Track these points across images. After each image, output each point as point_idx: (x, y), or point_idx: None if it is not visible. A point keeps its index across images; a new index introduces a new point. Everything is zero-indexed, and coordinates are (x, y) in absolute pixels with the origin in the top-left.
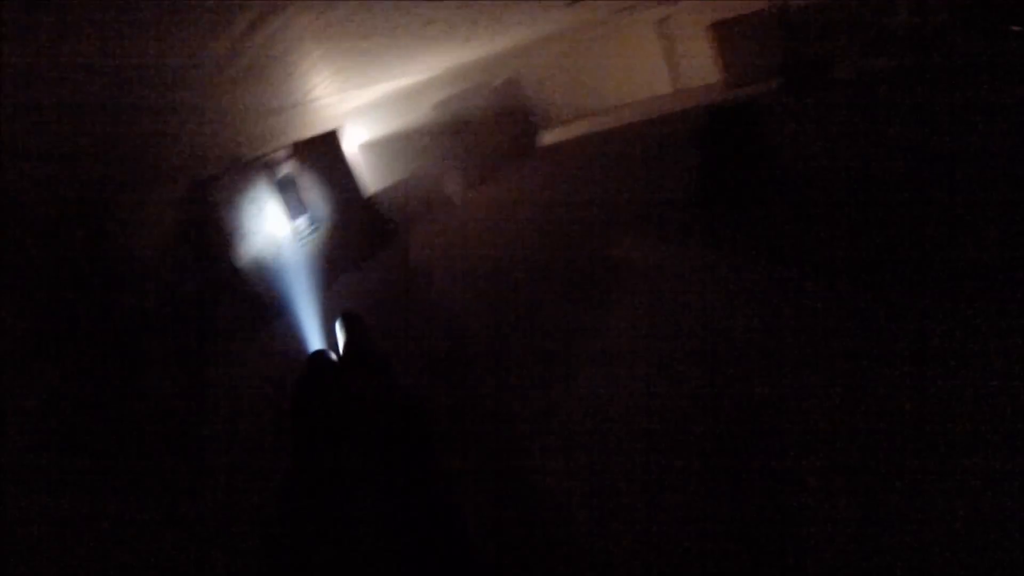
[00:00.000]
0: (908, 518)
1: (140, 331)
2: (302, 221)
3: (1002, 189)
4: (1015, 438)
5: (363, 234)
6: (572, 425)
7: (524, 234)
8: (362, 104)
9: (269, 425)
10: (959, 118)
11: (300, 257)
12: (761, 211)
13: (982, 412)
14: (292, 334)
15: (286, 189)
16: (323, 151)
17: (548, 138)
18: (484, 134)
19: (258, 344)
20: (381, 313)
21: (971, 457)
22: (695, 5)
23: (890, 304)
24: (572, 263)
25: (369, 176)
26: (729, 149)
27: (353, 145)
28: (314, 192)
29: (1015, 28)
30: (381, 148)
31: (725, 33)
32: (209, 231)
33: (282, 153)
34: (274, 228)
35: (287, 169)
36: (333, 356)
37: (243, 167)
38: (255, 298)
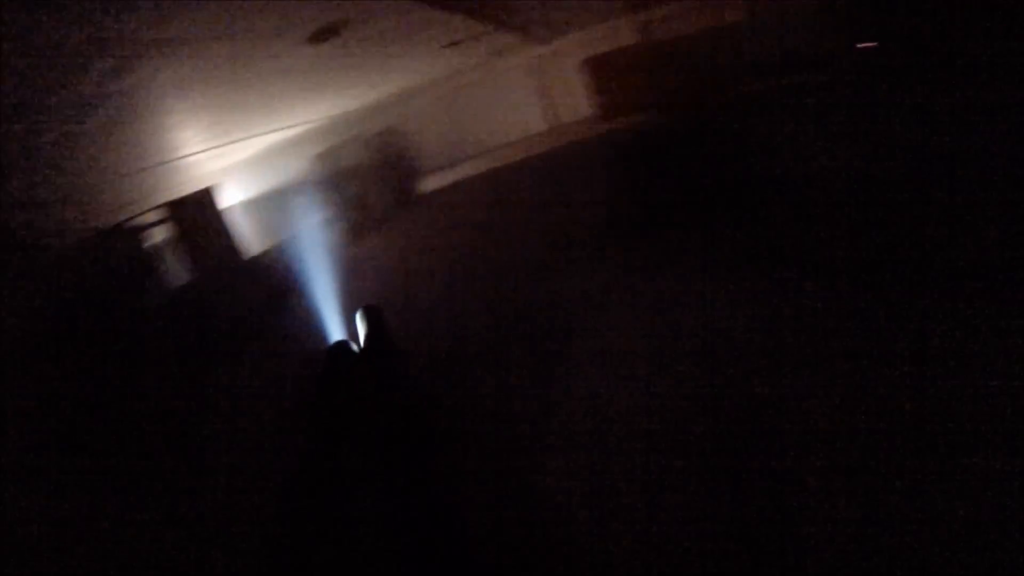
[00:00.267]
0: (908, 518)
1: (140, 332)
2: (176, 291)
3: (1002, 189)
4: (1015, 438)
5: (245, 301)
6: (572, 425)
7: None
8: (239, 160)
9: (269, 425)
10: (959, 118)
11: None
12: (761, 212)
13: (982, 412)
14: (292, 335)
15: (157, 257)
16: (198, 212)
17: (430, 184)
18: (367, 185)
19: (258, 344)
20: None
21: (971, 457)
22: (566, 45)
23: (890, 304)
24: (572, 263)
25: (249, 237)
26: (653, 172)
27: (231, 204)
28: (189, 258)
29: (864, 46)
30: (261, 206)
31: (598, 68)
32: (60, 314)
33: (152, 216)
34: (143, 303)
35: (158, 235)
36: (354, 347)
37: (108, 234)
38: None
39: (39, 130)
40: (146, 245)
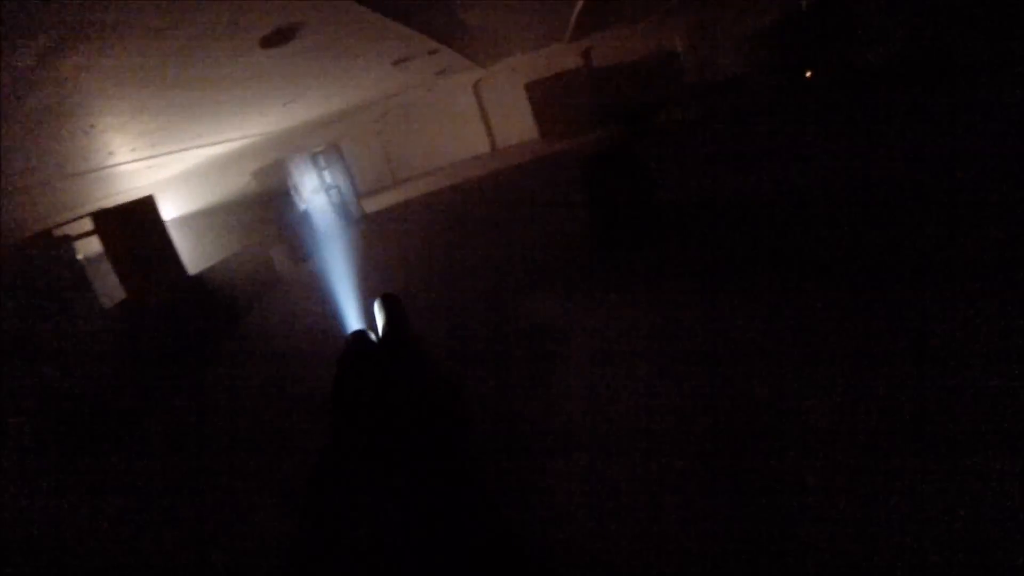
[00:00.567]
0: (908, 518)
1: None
2: (113, 307)
3: (1002, 189)
4: (1015, 438)
5: (191, 319)
6: (572, 425)
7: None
8: (175, 173)
9: (269, 425)
10: (959, 118)
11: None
12: (761, 212)
13: (982, 412)
14: (293, 335)
15: (89, 270)
16: (138, 221)
17: (372, 205)
18: (309, 204)
19: (259, 344)
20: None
21: (971, 457)
22: (504, 67)
23: (890, 304)
24: (566, 260)
25: (189, 254)
26: (601, 192)
27: (170, 216)
28: (128, 272)
29: (808, 74)
30: (199, 222)
31: (539, 91)
32: None
33: (85, 224)
34: (75, 317)
35: (91, 245)
36: (373, 336)
37: (34, 242)
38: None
39: None
40: (77, 255)
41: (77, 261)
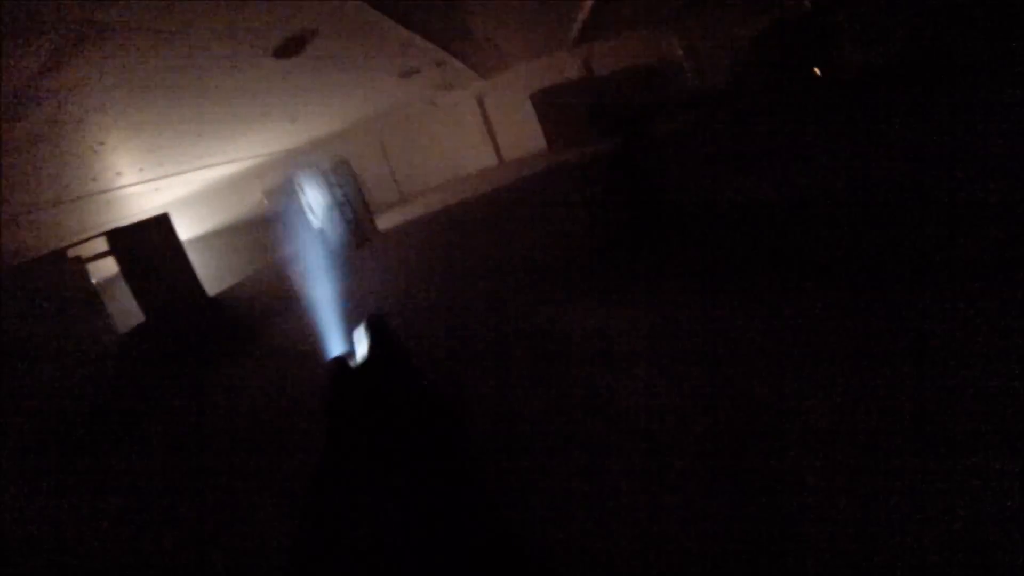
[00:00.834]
0: (908, 518)
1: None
2: (132, 331)
3: (1002, 189)
4: (1015, 438)
5: (210, 337)
6: (572, 425)
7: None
8: (182, 196)
9: (269, 425)
10: (959, 118)
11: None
12: (761, 212)
13: (982, 412)
14: (293, 335)
15: (104, 292)
16: (154, 238)
17: (386, 221)
18: (321, 223)
19: (259, 344)
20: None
21: (971, 457)
22: (507, 79)
23: (890, 304)
24: (573, 264)
25: (202, 274)
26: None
27: (185, 237)
28: (145, 290)
29: (816, 71)
30: (210, 243)
31: (544, 101)
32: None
33: (99, 244)
34: (89, 341)
35: (105, 267)
36: (350, 363)
37: (42, 264)
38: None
39: None
40: (91, 275)
41: (90, 283)
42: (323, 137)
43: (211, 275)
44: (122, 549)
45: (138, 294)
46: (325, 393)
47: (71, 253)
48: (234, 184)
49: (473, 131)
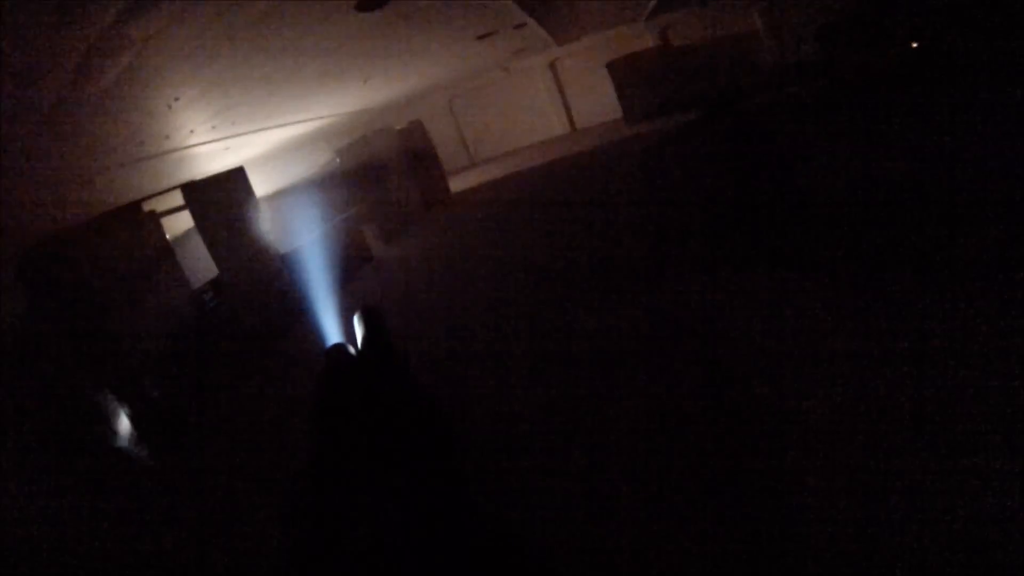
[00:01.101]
0: (908, 518)
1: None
2: (205, 286)
3: (1002, 189)
4: (1015, 438)
5: (283, 297)
6: (573, 425)
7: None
8: (254, 154)
9: (269, 425)
10: (959, 118)
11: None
12: (763, 213)
13: (982, 412)
14: (293, 335)
15: (178, 248)
16: (230, 191)
17: (458, 183)
18: (395, 182)
19: (259, 344)
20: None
21: (971, 457)
22: (579, 47)
23: (890, 304)
24: (573, 264)
25: (276, 235)
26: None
27: (257, 194)
28: (218, 248)
29: (913, 45)
30: (281, 203)
31: (620, 71)
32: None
33: (174, 199)
34: (165, 297)
35: (179, 222)
36: (351, 350)
37: (112, 219)
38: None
39: (35, 94)
40: (162, 229)
41: (164, 236)
42: (394, 99)
43: (286, 231)
44: (122, 549)
45: (212, 247)
46: (321, 380)
47: (146, 207)
48: (304, 145)
49: (545, 99)
